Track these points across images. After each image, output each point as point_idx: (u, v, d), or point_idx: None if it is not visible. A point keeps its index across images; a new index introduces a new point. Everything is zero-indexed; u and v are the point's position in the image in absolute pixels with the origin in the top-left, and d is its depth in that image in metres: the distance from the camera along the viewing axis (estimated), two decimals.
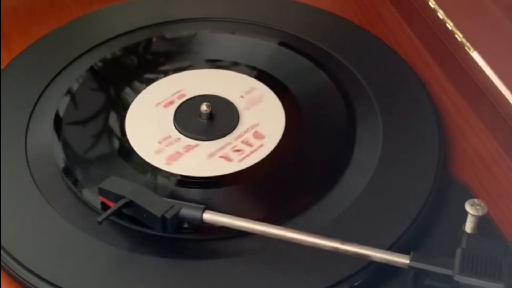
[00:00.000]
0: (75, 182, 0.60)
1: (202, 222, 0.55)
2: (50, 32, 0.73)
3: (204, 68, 0.70)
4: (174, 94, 0.67)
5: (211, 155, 0.62)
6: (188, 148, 0.63)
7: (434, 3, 0.71)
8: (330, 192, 0.60)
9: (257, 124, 0.64)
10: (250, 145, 0.63)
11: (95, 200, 0.58)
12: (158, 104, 0.66)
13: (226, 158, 0.62)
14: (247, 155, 0.62)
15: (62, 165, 0.61)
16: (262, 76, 0.68)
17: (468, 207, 0.54)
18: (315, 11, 0.76)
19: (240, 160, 0.62)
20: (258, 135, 0.63)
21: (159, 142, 0.63)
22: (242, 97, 0.66)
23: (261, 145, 0.63)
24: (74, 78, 0.68)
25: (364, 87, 0.67)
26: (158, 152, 0.62)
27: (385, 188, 0.60)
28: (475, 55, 0.67)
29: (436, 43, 0.72)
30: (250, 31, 0.72)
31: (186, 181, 0.60)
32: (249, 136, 0.63)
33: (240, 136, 0.63)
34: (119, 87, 0.68)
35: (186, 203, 0.56)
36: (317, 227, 0.56)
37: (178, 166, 0.61)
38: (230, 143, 0.63)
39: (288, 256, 0.55)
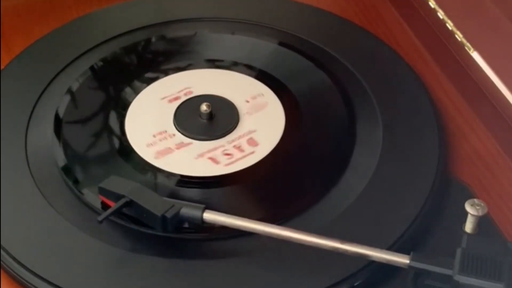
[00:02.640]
0: (75, 181, 0.60)
1: (202, 221, 0.55)
2: (50, 32, 0.73)
3: (203, 68, 0.70)
4: (181, 91, 0.67)
5: (201, 155, 0.62)
6: (180, 145, 0.63)
7: (434, 3, 0.71)
8: (330, 191, 0.60)
9: (254, 131, 0.64)
10: (242, 150, 0.62)
11: (95, 199, 0.58)
12: (163, 98, 0.66)
13: (214, 160, 0.62)
14: (236, 160, 0.62)
15: (62, 164, 0.61)
16: (262, 76, 0.68)
17: (468, 207, 0.54)
18: (315, 11, 0.76)
19: (227, 164, 0.61)
20: (252, 142, 0.63)
21: (154, 136, 0.63)
22: (247, 101, 0.66)
23: (252, 152, 0.62)
24: (74, 78, 0.68)
25: (364, 87, 0.67)
26: (149, 145, 0.62)
27: (385, 188, 0.60)
28: (475, 55, 0.67)
29: (436, 43, 0.72)
30: (250, 31, 0.72)
31: (172, 179, 0.61)
32: (242, 141, 0.63)
33: (234, 140, 0.63)
34: (119, 87, 0.68)
35: (186, 202, 0.56)
36: (317, 227, 0.56)
37: (165, 162, 0.61)
38: (223, 146, 0.63)
39: (288, 256, 0.55)
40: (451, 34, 0.69)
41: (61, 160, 0.62)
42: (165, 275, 0.55)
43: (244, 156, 0.62)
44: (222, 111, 0.65)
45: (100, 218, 0.55)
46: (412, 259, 0.52)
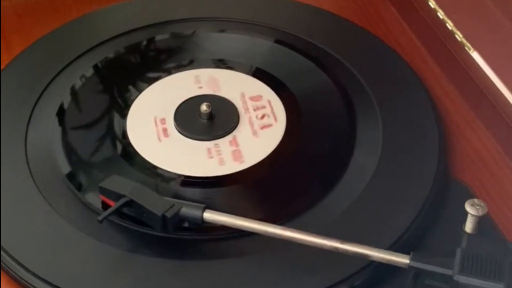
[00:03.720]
0: (75, 181, 0.60)
1: (202, 221, 0.55)
2: (50, 32, 0.73)
3: (204, 68, 0.70)
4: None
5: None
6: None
7: (434, 3, 0.71)
8: (330, 191, 0.60)
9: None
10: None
11: (95, 200, 0.58)
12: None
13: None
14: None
15: (62, 165, 0.61)
16: (262, 75, 0.68)
17: (468, 207, 0.54)
18: (315, 11, 0.76)
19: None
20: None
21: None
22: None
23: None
24: (74, 78, 0.68)
25: (364, 87, 0.67)
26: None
27: (385, 188, 0.60)
28: (475, 55, 0.67)
29: (436, 43, 0.72)
30: (250, 30, 0.72)
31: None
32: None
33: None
34: (120, 86, 0.68)
35: (187, 202, 0.56)
36: (317, 227, 0.56)
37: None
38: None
39: (288, 256, 0.55)
40: (451, 34, 0.69)
41: (61, 160, 0.62)
42: (165, 275, 0.55)
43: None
44: (222, 111, 0.65)
45: (100, 217, 0.55)
46: (412, 259, 0.52)
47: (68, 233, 0.57)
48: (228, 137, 0.64)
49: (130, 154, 0.62)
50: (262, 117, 0.65)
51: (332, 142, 0.63)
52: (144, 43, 0.72)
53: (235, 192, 0.60)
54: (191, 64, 0.70)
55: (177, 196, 0.58)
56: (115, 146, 0.63)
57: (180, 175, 0.61)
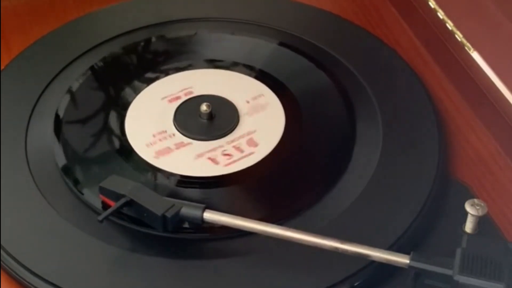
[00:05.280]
0: (75, 181, 0.60)
1: (202, 221, 0.55)
2: (50, 32, 0.73)
3: (204, 68, 0.70)
4: (181, 91, 0.67)
5: (200, 155, 0.62)
6: (180, 145, 0.63)
7: (434, 3, 0.71)
8: (330, 191, 0.60)
9: (254, 131, 0.64)
10: (242, 150, 0.62)
11: (95, 199, 0.58)
12: (163, 98, 0.66)
13: (214, 160, 0.62)
14: (236, 160, 0.62)
15: (61, 164, 0.61)
16: (262, 76, 0.68)
17: (468, 207, 0.54)
18: (315, 11, 0.76)
19: (227, 165, 0.61)
20: (252, 142, 0.63)
21: (154, 136, 0.63)
22: (247, 102, 0.66)
23: (252, 152, 0.62)
24: (74, 78, 0.68)
25: (364, 87, 0.67)
26: (149, 145, 0.62)
27: (385, 188, 0.60)
28: (475, 55, 0.67)
29: (436, 43, 0.71)
30: (250, 31, 0.72)
31: (172, 178, 0.61)
32: (242, 142, 0.63)
33: (233, 140, 0.63)
34: (119, 86, 0.68)
35: (187, 202, 0.56)
36: (317, 227, 0.56)
37: (165, 161, 0.61)
38: (223, 146, 0.63)
39: (288, 256, 0.55)
40: (451, 34, 0.69)
41: (61, 160, 0.62)
42: (165, 275, 0.55)
43: (244, 156, 0.62)
44: (222, 111, 0.65)
45: (100, 217, 0.55)
46: (412, 259, 0.52)
47: (68, 232, 0.57)
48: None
49: (129, 154, 0.62)
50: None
51: (332, 142, 0.63)
52: (144, 43, 0.72)
53: (234, 192, 0.60)
54: (190, 64, 0.70)
55: (176, 196, 0.58)
56: (114, 146, 0.63)
57: (179, 175, 0.61)
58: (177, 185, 0.60)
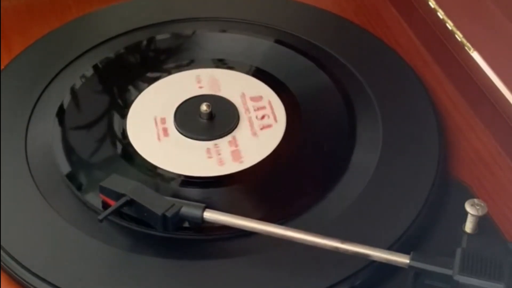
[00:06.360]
0: (75, 181, 0.60)
1: (202, 220, 0.55)
2: (50, 31, 0.73)
3: (204, 68, 0.70)
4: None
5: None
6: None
7: (434, 3, 0.71)
8: (330, 191, 0.60)
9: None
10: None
11: (95, 200, 0.58)
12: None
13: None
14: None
15: (62, 164, 0.61)
16: (262, 75, 0.68)
17: (468, 207, 0.54)
18: (315, 11, 0.76)
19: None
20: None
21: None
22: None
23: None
24: (74, 78, 0.68)
25: (364, 87, 0.67)
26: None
27: (385, 188, 0.60)
28: (475, 55, 0.67)
29: (436, 43, 0.72)
30: (250, 31, 0.72)
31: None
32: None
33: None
34: (120, 86, 0.68)
35: (187, 201, 0.56)
36: (317, 227, 0.56)
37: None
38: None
39: (288, 256, 0.55)
40: (451, 34, 0.69)
41: (61, 160, 0.62)
42: (165, 275, 0.55)
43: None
44: (222, 111, 0.65)
45: (100, 217, 0.55)
46: (412, 259, 0.52)
47: (68, 233, 0.57)
48: (228, 137, 0.64)
49: (130, 154, 0.62)
50: (262, 117, 0.65)
51: (332, 142, 0.63)
52: (144, 43, 0.72)
53: (234, 192, 0.60)
54: (191, 64, 0.70)
55: (176, 196, 0.58)
56: (115, 146, 0.63)
57: (179, 175, 0.61)
58: (178, 185, 0.60)
